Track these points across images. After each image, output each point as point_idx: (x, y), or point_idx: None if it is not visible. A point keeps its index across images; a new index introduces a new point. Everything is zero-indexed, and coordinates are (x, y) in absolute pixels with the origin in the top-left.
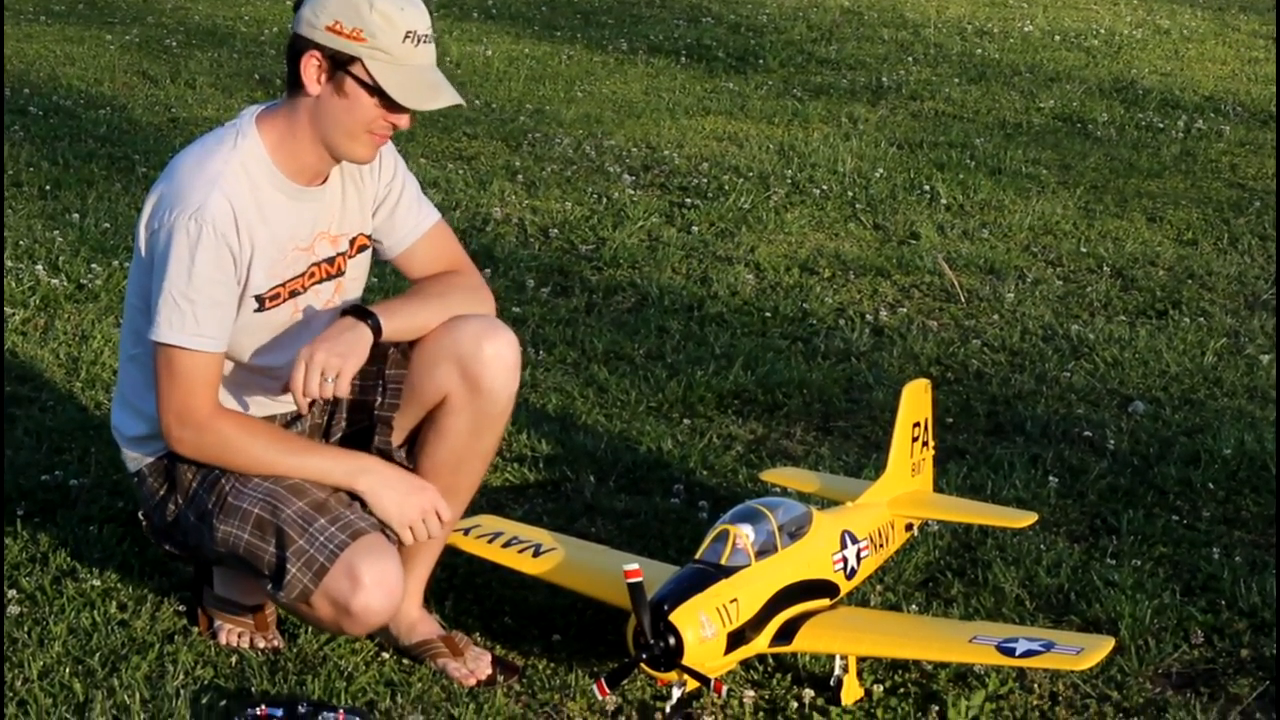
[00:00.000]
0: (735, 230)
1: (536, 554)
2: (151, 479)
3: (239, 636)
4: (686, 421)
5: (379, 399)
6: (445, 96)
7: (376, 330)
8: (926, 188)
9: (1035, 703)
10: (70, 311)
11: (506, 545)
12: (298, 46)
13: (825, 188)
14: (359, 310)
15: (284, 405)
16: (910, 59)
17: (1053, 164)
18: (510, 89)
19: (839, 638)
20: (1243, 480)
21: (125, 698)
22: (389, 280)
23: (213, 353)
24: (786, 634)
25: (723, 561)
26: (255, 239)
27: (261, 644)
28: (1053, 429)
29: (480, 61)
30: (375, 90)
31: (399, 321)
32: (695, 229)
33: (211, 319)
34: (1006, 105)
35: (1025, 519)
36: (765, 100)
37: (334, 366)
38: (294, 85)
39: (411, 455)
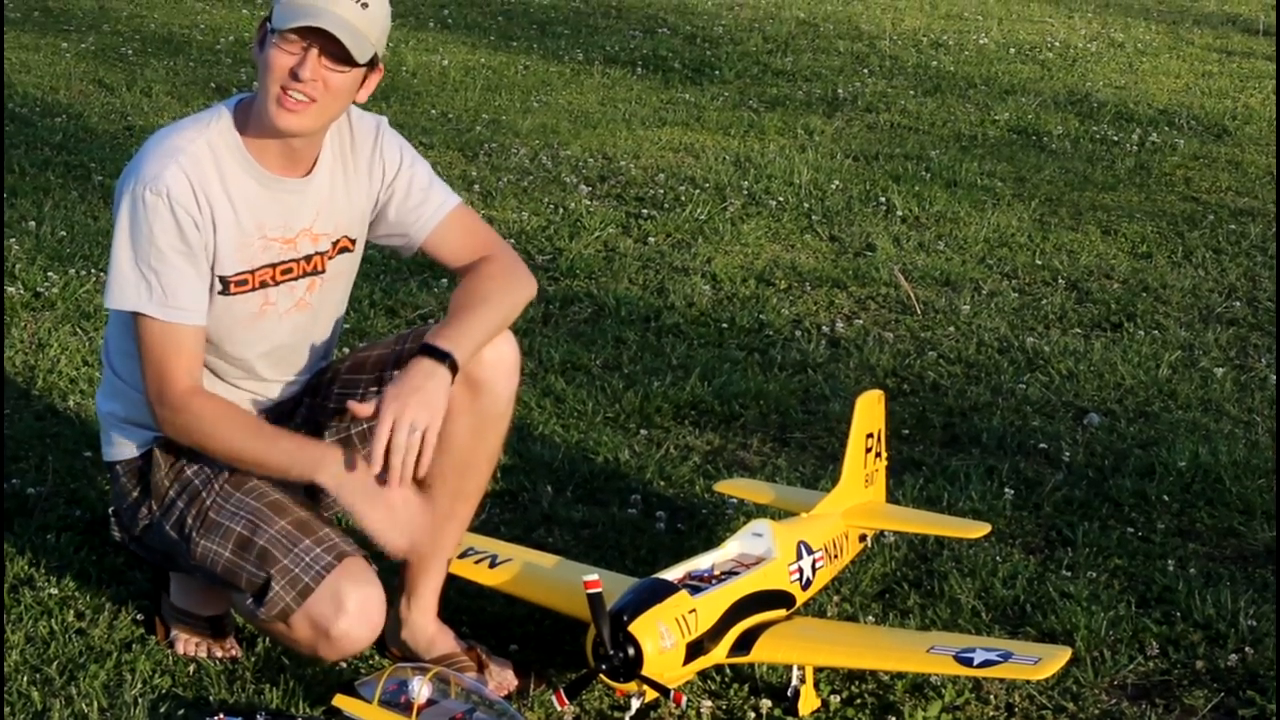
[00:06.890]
0: (692, 241)
1: (493, 565)
2: (125, 479)
3: (196, 646)
4: (643, 432)
5: None
6: (320, 20)
7: (454, 370)
8: (882, 200)
9: (991, 714)
10: (26, 320)
11: (463, 556)
12: None
13: (781, 199)
14: (432, 350)
15: (238, 395)
16: (866, 71)
17: (1008, 176)
18: (466, 99)
19: (796, 648)
20: (1197, 493)
21: (83, 706)
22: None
23: (187, 325)
24: (744, 644)
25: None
26: (217, 214)
27: (219, 653)
28: (1008, 441)
29: (436, 71)
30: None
31: (466, 349)
32: (651, 240)
33: (181, 289)
34: (962, 118)
35: (978, 530)
36: (721, 111)
37: (422, 422)
38: None
39: None
